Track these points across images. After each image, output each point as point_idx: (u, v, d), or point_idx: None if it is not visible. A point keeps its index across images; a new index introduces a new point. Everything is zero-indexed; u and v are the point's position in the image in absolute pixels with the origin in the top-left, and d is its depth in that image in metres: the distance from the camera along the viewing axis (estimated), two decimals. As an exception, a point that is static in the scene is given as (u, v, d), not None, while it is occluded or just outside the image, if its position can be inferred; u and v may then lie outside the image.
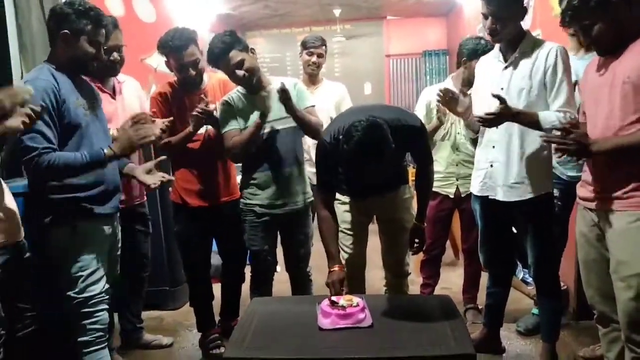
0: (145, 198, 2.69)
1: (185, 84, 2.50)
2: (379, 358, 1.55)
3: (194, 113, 2.39)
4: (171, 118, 2.35)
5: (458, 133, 2.84)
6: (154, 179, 2.18)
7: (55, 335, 2.11)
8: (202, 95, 2.47)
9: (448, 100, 2.39)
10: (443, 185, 2.88)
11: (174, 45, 2.37)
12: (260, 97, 2.32)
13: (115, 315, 2.70)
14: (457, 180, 2.87)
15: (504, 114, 2.03)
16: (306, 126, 2.38)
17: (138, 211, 2.62)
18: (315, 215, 2.24)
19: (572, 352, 2.49)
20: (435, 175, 2.81)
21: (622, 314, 1.73)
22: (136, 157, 2.50)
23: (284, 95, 2.25)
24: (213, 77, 2.64)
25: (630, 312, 1.70)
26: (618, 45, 1.73)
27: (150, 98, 2.63)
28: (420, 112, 2.93)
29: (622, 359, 1.83)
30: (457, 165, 2.86)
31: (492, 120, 2.08)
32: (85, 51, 1.93)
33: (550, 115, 2.05)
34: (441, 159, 2.87)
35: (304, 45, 3.25)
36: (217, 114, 2.45)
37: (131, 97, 2.60)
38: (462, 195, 2.84)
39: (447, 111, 2.65)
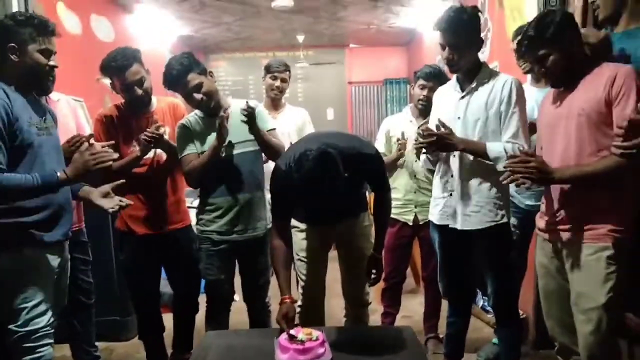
0: (83, 224, 2.57)
1: (132, 105, 2.41)
2: (339, 396, 1.47)
3: (142, 137, 2.30)
4: (112, 142, 2.23)
5: (415, 161, 2.84)
6: (111, 203, 2.05)
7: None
8: (153, 117, 2.40)
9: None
10: (402, 213, 2.87)
11: (117, 65, 2.29)
12: (219, 119, 2.25)
13: (66, 348, 2.57)
14: (415, 207, 2.86)
15: (445, 139, 2.04)
16: (268, 148, 2.34)
17: (77, 239, 2.46)
18: None
19: (532, 382, 2.48)
20: (394, 203, 2.80)
21: (582, 347, 1.73)
22: None
23: (249, 112, 2.20)
24: (162, 101, 2.56)
25: (591, 346, 1.70)
26: (570, 77, 1.77)
27: (94, 120, 2.53)
28: (380, 141, 2.95)
29: (582, 391, 1.82)
30: (415, 192, 2.85)
31: (435, 143, 2.08)
32: (37, 61, 1.84)
33: (498, 146, 2.08)
34: (400, 186, 2.86)
35: (268, 69, 3.22)
36: (167, 137, 2.38)
37: (65, 116, 2.46)
38: (421, 223, 2.84)
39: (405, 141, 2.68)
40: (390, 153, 2.89)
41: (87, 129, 2.61)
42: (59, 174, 1.81)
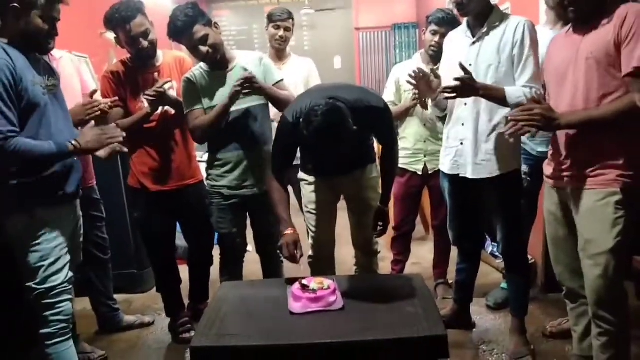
0: (95, 182, 2.61)
1: (138, 58, 2.39)
2: (350, 342, 1.54)
3: (146, 97, 2.29)
4: (116, 98, 2.27)
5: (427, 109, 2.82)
6: (105, 152, 2.05)
7: (14, 328, 2.04)
8: (157, 74, 2.38)
9: (419, 81, 2.34)
10: (411, 162, 2.87)
11: (121, 17, 2.26)
12: (234, 88, 2.20)
13: (86, 302, 2.68)
14: (424, 156, 2.85)
15: (467, 84, 2.01)
16: (277, 103, 2.32)
17: (89, 196, 2.52)
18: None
19: (540, 326, 2.54)
20: (403, 152, 2.81)
21: (589, 291, 1.76)
22: None
23: (244, 84, 2.17)
24: (168, 55, 2.53)
25: (598, 290, 1.73)
26: (593, 15, 1.70)
27: (101, 77, 2.51)
28: (389, 90, 2.90)
29: (589, 333, 1.87)
30: (424, 141, 2.84)
31: (457, 89, 2.03)
32: (37, 27, 1.80)
33: (517, 91, 2.04)
34: (409, 135, 2.85)
35: (270, 18, 3.14)
36: (173, 92, 2.37)
37: (69, 74, 2.45)
38: (430, 172, 2.84)
39: None
40: (400, 102, 2.86)
41: (93, 86, 2.60)
42: (73, 143, 1.83)
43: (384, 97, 2.78)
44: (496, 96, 2.06)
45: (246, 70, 2.22)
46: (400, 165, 2.91)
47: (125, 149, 2.03)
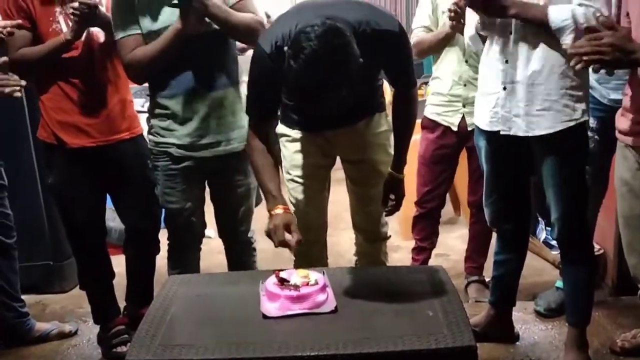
0: None
1: None
2: (343, 355, 1.56)
3: (71, 10, 2.29)
4: (19, 21, 2.25)
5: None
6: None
7: None
8: None
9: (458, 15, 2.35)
10: (445, 113, 2.89)
11: None
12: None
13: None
14: (464, 106, 2.88)
15: None
16: (232, 32, 2.34)
17: None
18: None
19: (608, 338, 2.61)
20: (436, 98, 2.83)
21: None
22: None
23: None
24: None
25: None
26: None
27: None
28: (424, 10, 2.91)
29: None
30: (465, 85, 2.86)
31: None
32: None
33: (564, 12, 2.04)
34: (445, 74, 2.87)
35: None
36: (104, 9, 2.38)
37: None
38: (469, 129, 2.85)
39: None
40: (437, 27, 2.85)
41: None
42: None
43: (417, 21, 2.78)
44: (534, 17, 2.08)
45: None
46: (429, 116, 2.94)
47: (20, 94, 2.04)
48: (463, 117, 2.89)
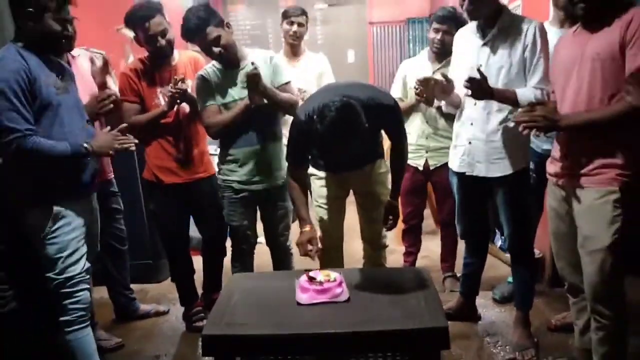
0: (112, 175, 2.67)
1: (156, 56, 2.46)
2: (354, 332, 1.58)
3: (169, 92, 2.37)
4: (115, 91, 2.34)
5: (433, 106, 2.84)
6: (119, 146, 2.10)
7: (37, 315, 2.12)
8: (174, 71, 2.46)
9: (429, 87, 2.34)
10: (413, 158, 2.89)
11: (140, 16, 2.35)
12: (239, 73, 2.28)
13: (103, 291, 2.76)
14: (426, 152, 2.89)
15: (484, 86, 2.04)
16: (277, 105, 2.38)
17: (107, 189, 2.59)
18: None
19: (545, 319, 2.57)
20: None
21: (587, 286, 1.79)
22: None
23: (251, 79, 2.22)
24: (184, 55, 2.61)
25: (595, 285, 1.76)
26: (603, 13, 1.71)
27: (120, 74, 2.59)
28: (397, 86, 2.94)
29: (589, 326, 1.90)
30: (427, 138, 2.87)
31: (472, 91, 2.06)
32: (51, 29, 1.87)
33: (529, 93, 2.07)
34: (412, 131, 2.87)
35: (285, 15, 3.22)
36: (191, 91, 2.43)
37: (86, 71, 2.52)
38: (432, 168, 2.87)
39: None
40: (407, 98, 2.89)
41: (109, 82, 2.68)
42: (86, 146, 1.92)
43: (392, 93, 2.82)
44: (508, 98, 2.09)
45: (253, 64, 2.26)
46: None
47: (134, 149, 2.09)
48: (426, 160, 2.90)
